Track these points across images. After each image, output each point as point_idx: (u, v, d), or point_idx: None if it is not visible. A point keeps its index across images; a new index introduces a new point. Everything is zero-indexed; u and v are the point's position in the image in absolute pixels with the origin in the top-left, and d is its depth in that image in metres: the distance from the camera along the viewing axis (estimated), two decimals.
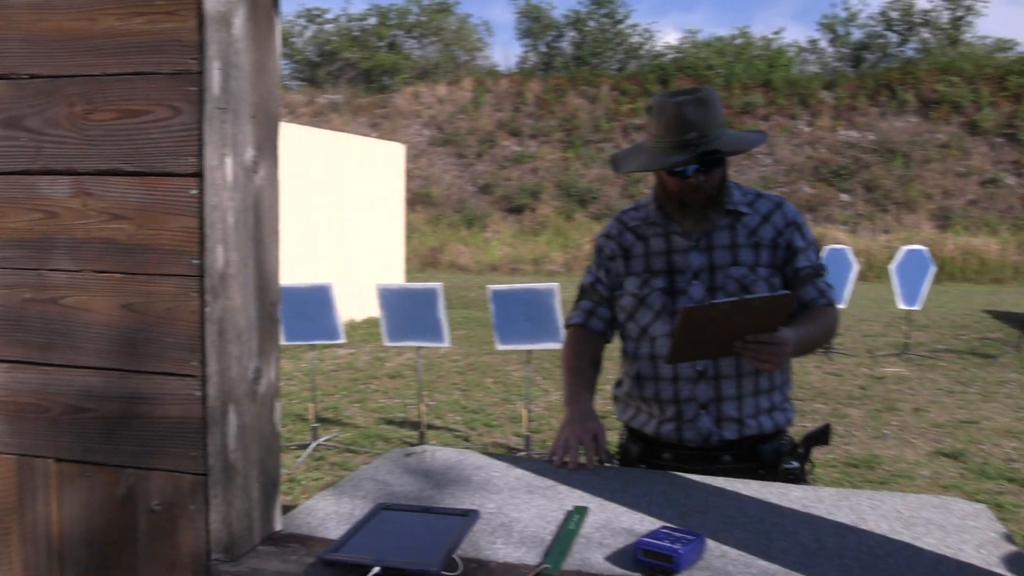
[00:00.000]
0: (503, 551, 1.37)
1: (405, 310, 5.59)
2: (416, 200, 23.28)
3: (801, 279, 2.07)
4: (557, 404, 7.07)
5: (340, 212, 11.53)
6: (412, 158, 23.66)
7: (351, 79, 32.13)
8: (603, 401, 2.16)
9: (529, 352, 5.63)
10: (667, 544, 1.30)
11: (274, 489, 1.44)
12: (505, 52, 76.32)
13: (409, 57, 34.09)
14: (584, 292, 2.23)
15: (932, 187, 21.55)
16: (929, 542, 1.43)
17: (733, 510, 1.57)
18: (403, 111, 26.49)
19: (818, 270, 2.10)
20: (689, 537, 1.33)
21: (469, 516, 1.43)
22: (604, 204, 22.75)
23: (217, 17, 1.28)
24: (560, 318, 5.28)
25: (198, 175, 1.30)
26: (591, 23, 32.02)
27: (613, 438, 2.11)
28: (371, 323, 11.41)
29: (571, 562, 1.33)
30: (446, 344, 5.65)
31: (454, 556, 1.31)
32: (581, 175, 23.78)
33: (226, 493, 1.32)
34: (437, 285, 5.61)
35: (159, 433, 1.34)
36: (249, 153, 1.33)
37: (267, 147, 1.39)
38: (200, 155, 1.30)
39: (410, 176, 21.33)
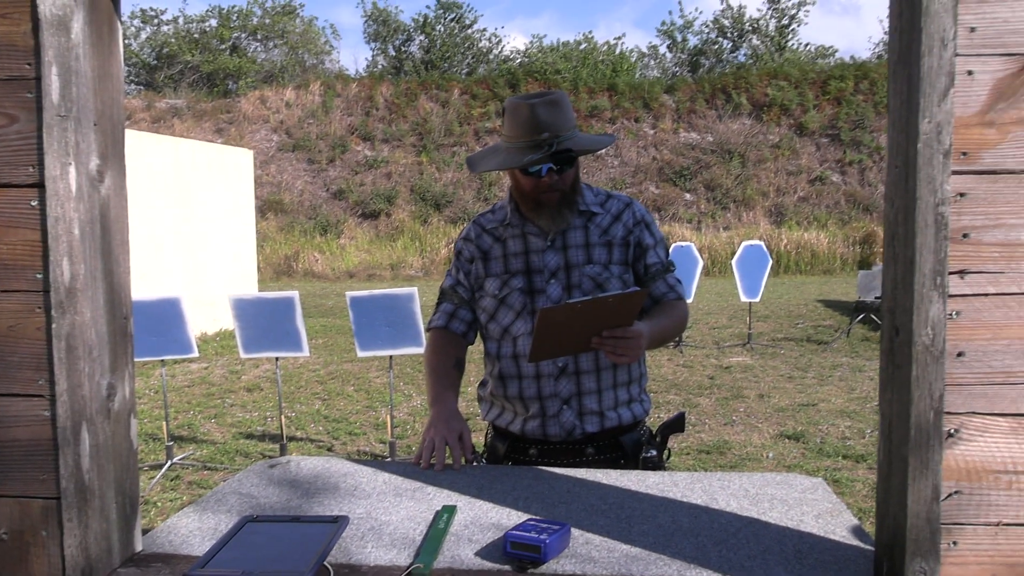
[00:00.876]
0: (374, 554, 1.38)
1: (261, 320, 5.45)
2: (267, 207, 22.66)
3: (651, 275, 2.18)
4: (420, 409, 7.07)
5: (187, 222, 11.09)
6: (261, 164, 23.02)
7: (192, 83, 30.88)
8: (467, 402, 2.19)
9: (390, 358, 5.61)
10: (534, 535, 1.34)
11: (133, 509, 1.39)
12: (354, 56, 75.45)
13: (254, 61, 33.07)
14: (445, 295, 2.26)
15: (767, 185, 22.87)
16: (774, 516, 1.54)
17: (595, 499, 1.64)
18: (249, 116, 25.69)
19: (667, 266, 2.20)
20: (555, 527, 1.38)
21: (338, 522, 1.43)
22: (459, 208, 22.85)
23: (53, 21, 1.23)
24: (420, 322, 5.29)
25: (39, 185, 1.24)
26: (439, 27, 32.08)
27: (479, 438, 2.15)
28: (225, 335, 11.03)
29: (442, 560, 1.35)
30: (305, 353, 5.55)
31: (325, 563, 1.31)
32: (435, 179, 23.79)
33: (81, 516, 1.27)
34: (293, 294, 5.50)
35: (5, 458, 1.27)
36: (94, 162, 1.29)
37: (112, 155, 1.35)
38: (40, 164, 1.24)
39: (260, 183, 20.78)
